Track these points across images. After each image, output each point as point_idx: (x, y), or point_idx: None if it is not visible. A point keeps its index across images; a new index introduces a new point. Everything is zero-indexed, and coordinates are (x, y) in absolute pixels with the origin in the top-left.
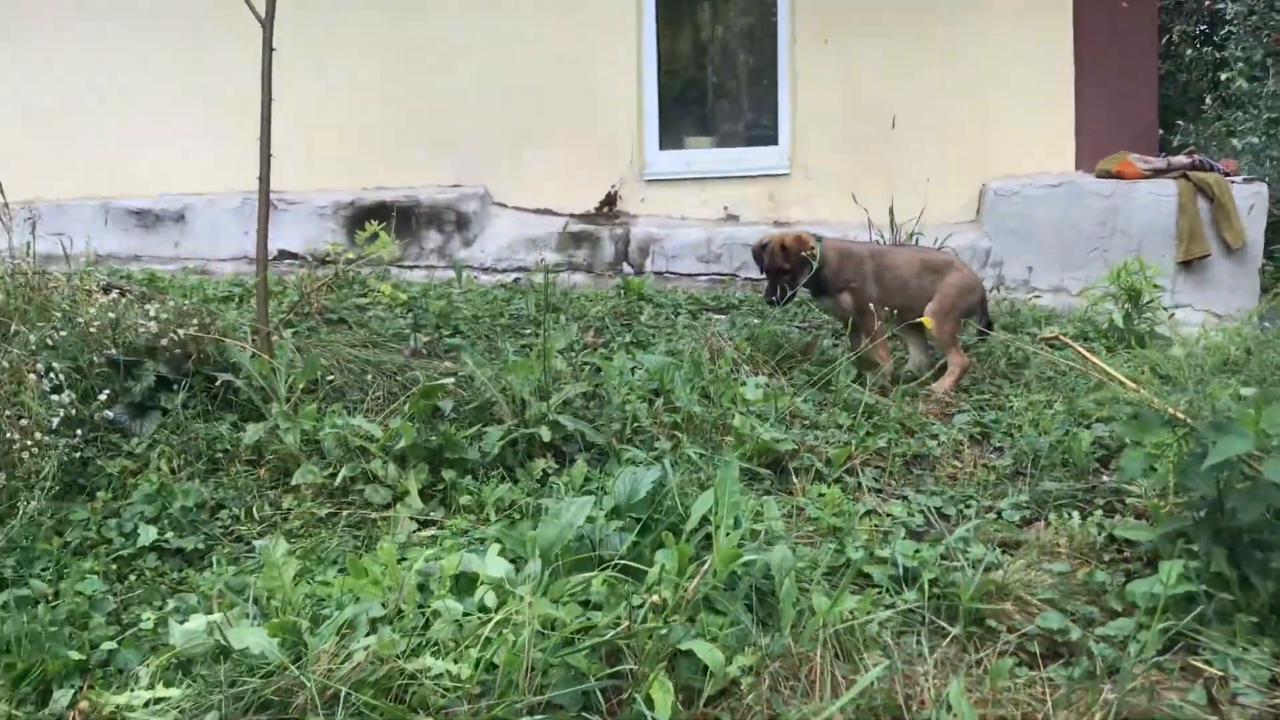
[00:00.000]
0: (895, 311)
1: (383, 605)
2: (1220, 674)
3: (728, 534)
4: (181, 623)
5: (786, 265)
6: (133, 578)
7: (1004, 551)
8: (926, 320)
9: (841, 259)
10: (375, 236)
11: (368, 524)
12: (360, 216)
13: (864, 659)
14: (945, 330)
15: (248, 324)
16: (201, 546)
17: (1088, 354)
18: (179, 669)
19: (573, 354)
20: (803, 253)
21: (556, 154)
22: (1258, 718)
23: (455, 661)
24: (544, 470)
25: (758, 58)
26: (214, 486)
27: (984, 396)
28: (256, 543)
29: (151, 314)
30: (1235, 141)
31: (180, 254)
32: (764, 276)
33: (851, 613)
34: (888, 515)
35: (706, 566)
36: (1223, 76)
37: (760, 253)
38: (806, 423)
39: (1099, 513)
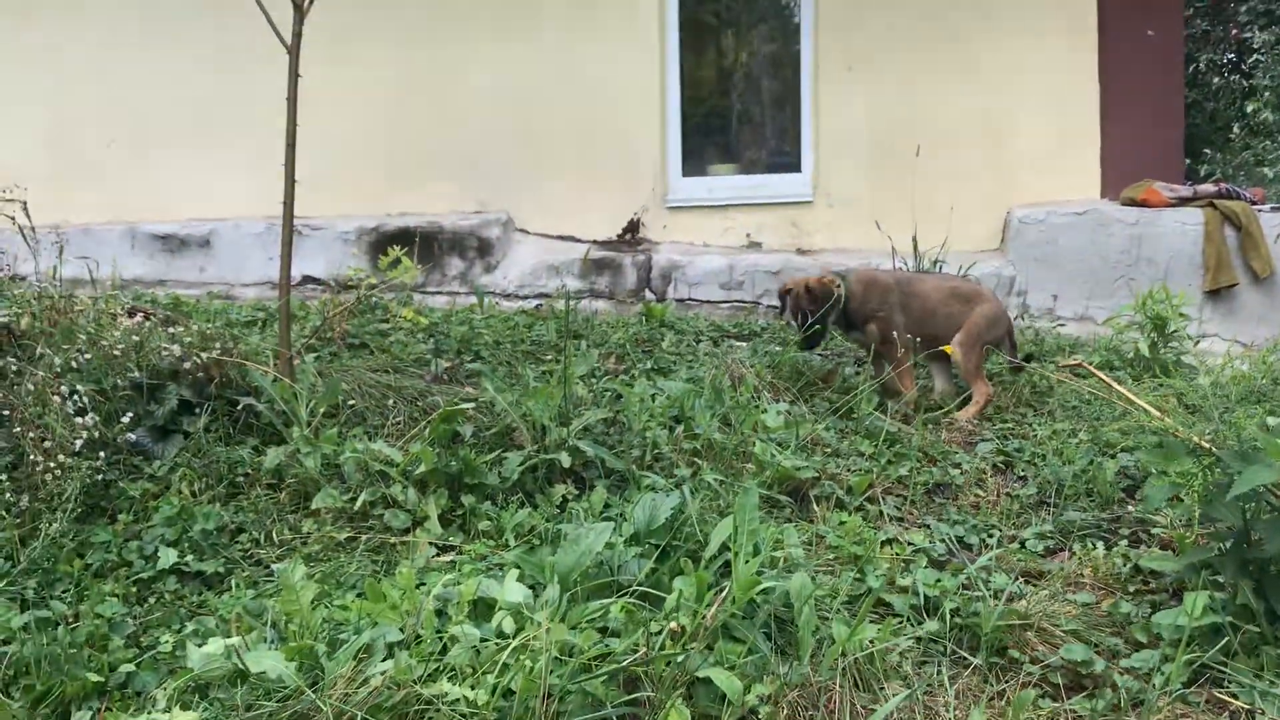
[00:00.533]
0: (920, 340)
1: (400, 630)
2: (1247, 707)
3: (747, 561)
4: (199, 645)
5: (813, 308)
6: (152, 600)
7: (1027, 582)
8: (949, 349)
9: (867, 289)
10: (398, 262)
11: (387, 549)
12: (383, 242)
13: (884, 689)
14: (971, 360)
15: (270, 348)
16: (221, 570)
17: (1111, 382)
18: (196, 692)
19: (594, 380)
20: (827, 293)
21: (579, 181)
22: None
23: (472, 687)
24: (564, 496)
25: (781, 85)
26: (234, 510)
27: (1007, 425)
28: (275, 566)
29: (175, 338)
30: (1266, 170)
31: (205, 279)
32: (791, 318)
33: (872, 642)
34: (909, 544)
35: (725, 594)
36: (1250, 108)
37: (785, 297)
38: (828, 450)
39: (1124, 543)
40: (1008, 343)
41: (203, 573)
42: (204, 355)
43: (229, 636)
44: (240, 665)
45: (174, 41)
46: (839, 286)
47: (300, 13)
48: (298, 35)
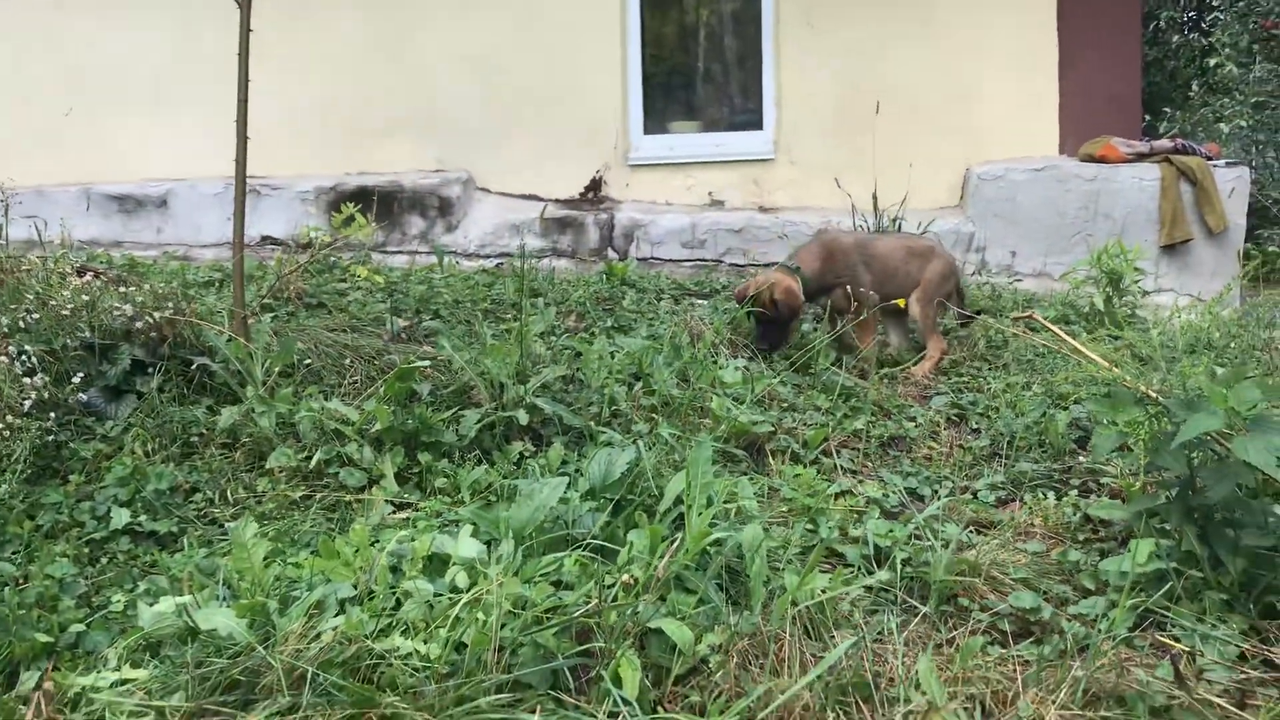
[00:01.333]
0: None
1: (353, 586)
2: (1188, 650)
3: (700, 514)
4: (151, 605)
5: (776, 317)
6: (104, 561)
7: (978, 531)
8: (901, 303)
9: (827, 261)
10: (351, 219)
11: (342, 507)
12: (342, 201)
13: (834, 637)
14: (928, 315)
15: (226, 308)
16: (175, 530)
17: (1061, 333)
18: (147, 651)
19: (553, 338)
20: (794, 307)
21: (541, 139)
22: (1224, 693)
23: (425, 642)
24: (521, 453)
25: (742, 42)
26: (188, 470)
27: (962, 379)
28: (228, 525)
29: (127, 297)
30: (1223, 126)
31: (162, 240)
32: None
33: (823, 591)
34: (862, 495)
35: (678, 546)
36: (1210, 63)
37: (743, 301)
38: (785, 405)
39: (1074, 493)
40: (956, 296)
41: (156, 532)
42: (157, 315)
43: (181, 595)
44: (191, 623)
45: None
46: (799, 294)
47: None
48: None
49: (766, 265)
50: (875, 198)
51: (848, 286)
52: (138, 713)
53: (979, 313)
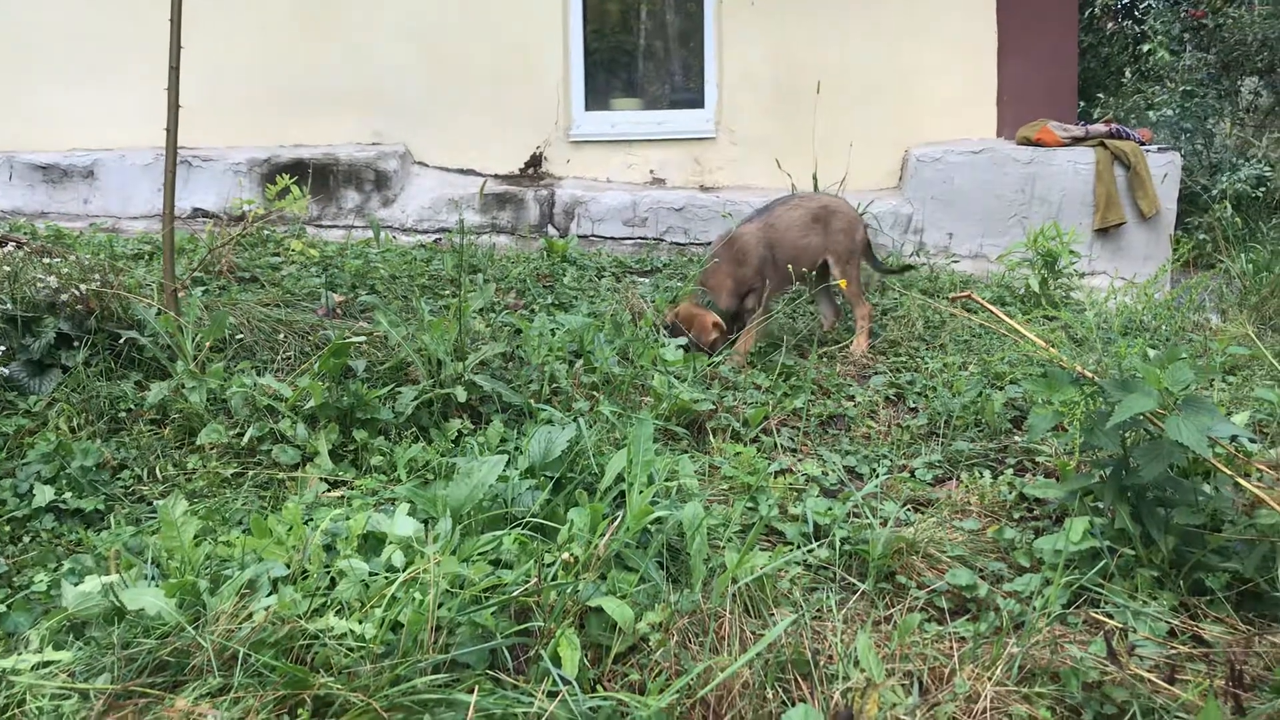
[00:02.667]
0: (801, 272)
1: (286, 565)
2: (1120, 627)
3: (641, 492)
4: (75, 584)
5: (701, 342)
6: (26, 539)
7: (916, 510)
8: (843, 283)
9: (739, 262)
10: (286, 191)
11: (275, 485)
12: (277, 174)
13: (773, 614)
14: (852, 277)
15: (155, 281)
16: (101, 507)
17: (998, 312)
18: (71, 632)
19: (492, 315)
20: (708, 338)
21: (481, 113)
22: (1155, 668)
23: (360, 621)
24: (459, 431)
25: (685, 20)
26: (116, 446)
27: (900, 358)
28: (157, 503)
29: (51, 269)
30: (1151, 114)
31: (90, 211)
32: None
33: (762, 568)
34: (802, 474)
35: (618, 524)
36: (1145, 49)
37: (671, 330)
38: (726, 384)
39: (1010, 471)
40: (867, 248)
41: (81, 510)
42: (83, 287)
43: (107, 575)
44: (117, 603)
45: None
46: (719, 324)
47: None
48: None
49: (706, 244)
50: (815, 178)
51: (757, 292)
52: (60, 695)
53: (907, 268)
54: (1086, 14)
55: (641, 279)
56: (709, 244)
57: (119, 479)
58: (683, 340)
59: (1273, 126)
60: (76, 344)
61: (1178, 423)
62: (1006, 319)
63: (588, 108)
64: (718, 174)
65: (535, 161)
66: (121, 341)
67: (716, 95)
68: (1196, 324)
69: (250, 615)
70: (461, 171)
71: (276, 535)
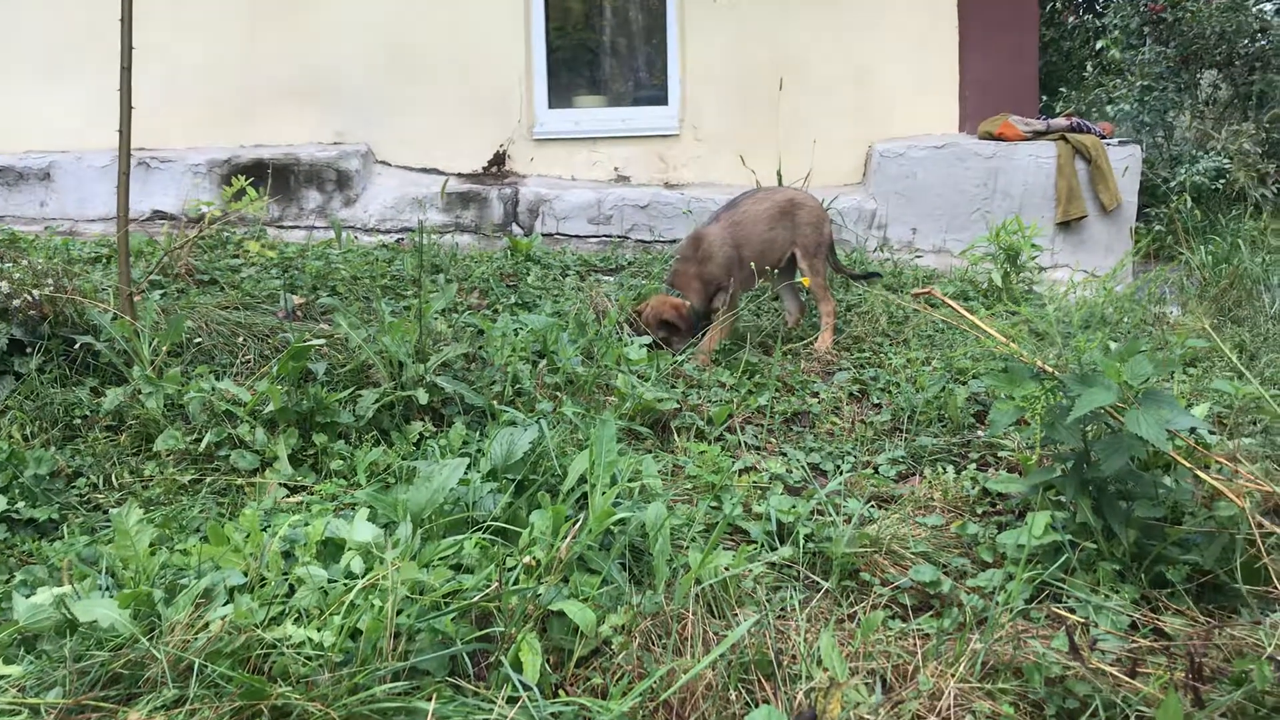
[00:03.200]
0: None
1: (243, 574)
2: (1082, 621)
3: (604, 493)
4: (27, 596)
5: (663, 335)
6: None
7: (880, 506)
8: (806, 281)
9: (705, 261)
10: (242, 193)
11: (233, 491)
12: (236, 174)
13: (737, 615)
14: (818, 270)
15: (111, 286)
16: (55, 516)
17: (959, 308)
18: (22, 645)
19: (455, 316)
20: (690, 323)
21: (443, 112)
22: (1117, 662)
23: (318, 629)
24: (421, 433)
25: (648, 17)
26: (70, 454)
27: (864, 354)
28: (112, 511)
29: (2, 273)
30: (1110, 108)
31: (47, 214)
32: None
33: (726, 568)
34: (766, 471)
35: (580, 526)
36: (1101, 44)
37: (637, 324)
38: (691, 382)
39: (973, 466)
40: (829, 243)
41: (35, 520)
42: (36, 292)
43: (60, 586)
44: (70, 615)
45: None
46: (685, 310)
47: None
48: None
49: (671, 242)
50: (779, 175)
51: (725, 289)
52: (10, 711)
53: (870, 275)
54: (1048, 8)
55: (607, 277)
56: (674, 241)
57: (74, 487)
58: (647, 339)
59: (1231, 119)
60: (30, 350)
61: (1137, 416)
62: (967, 314)
63: (551, 105)
64: (682, 171)
65: (499, 160)
66: (76, 347)
67: (680, 92)
68: (1157, 316)
69: (206, 625)
70: (425, 170)
71: (234, 543)
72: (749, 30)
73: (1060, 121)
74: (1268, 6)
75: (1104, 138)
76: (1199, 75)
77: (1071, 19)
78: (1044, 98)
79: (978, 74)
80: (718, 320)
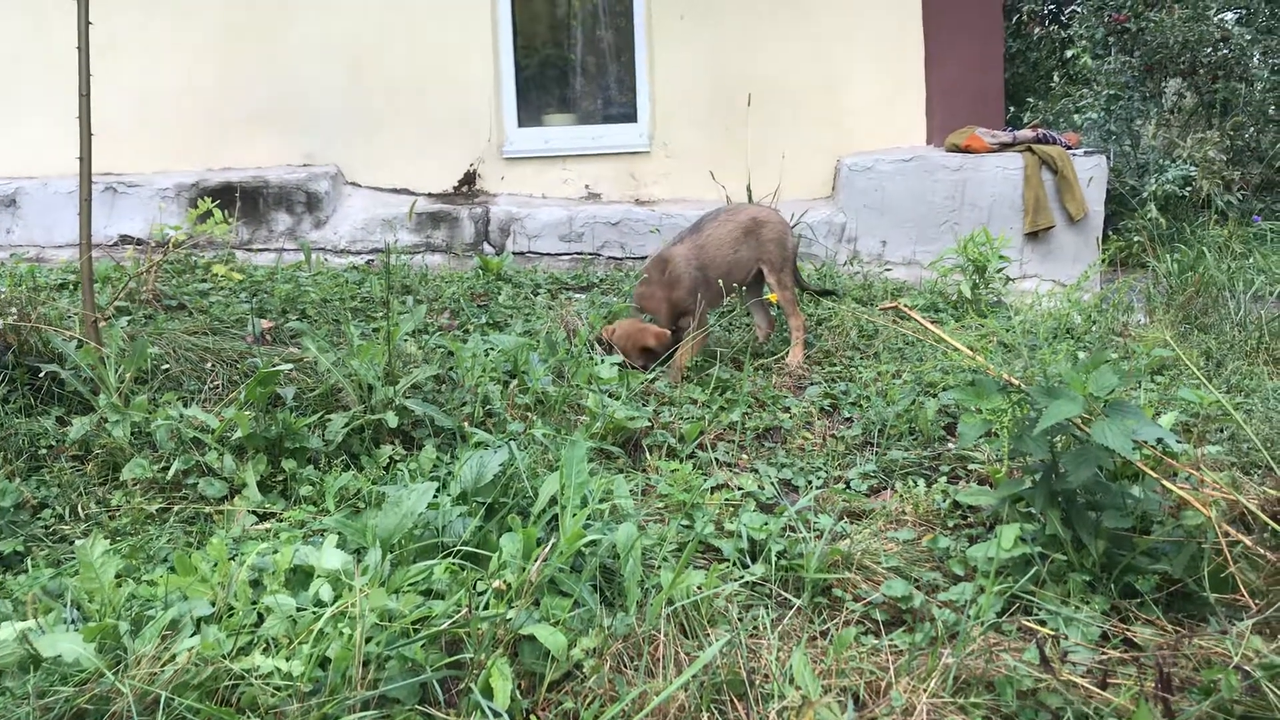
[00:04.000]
0: (735, 287)
1: (211, 603)
2: (1053, 634)
3: (574, 514)
4: None
5: (641, 363)
6: None
7: (851, 521)
8: (773, 297)
9: (672, 292)
10: (208, 215)
11: (202, 519)
12: (204, 198)
13: (709, 635)
14: (786, 286)
15: (77, 313)
16: (20, 549)
17: (925, 322)
18: None
19: (425, 337)
20: (665, 347)
21: (412, 132)
22: (1088, 674)
23: (287, 659)
24: (391, 457)
25: (615, 34)
26: (36, 485)
27: (835, 368)
28: (78, 543)
29: None
30: (1078, 118)
31: (13, 241)
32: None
33: (698, 588)
34: (738, 489)
35: (551, 548)
36: (1068, 54)
37: (605, 346)
38: (662, 399)
39: (943, 480)
40: (793, 257)
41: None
42: (0, 321)
43: (25, 620)
44: (33, 650)
45: None
46: (653, 338)
47: None
48: None
49: (642, 258)
50: (749, 190)
51: (692, 311)
52: None
53: (828, 293)
54: (1014, 19)
55: (578, 294)
56: (645, 258)
57: (39, 518)
58: (619, 357)
59: (1197, 127)
60: None
61: (1103, 427)
62: (933, 328)
63: (521, 124)
64: (653, 187)
65: (469, 179)
66: (42, 375)
67: (649, 109)
68: (1125, 325)
69: (173, 657)
70: (395, 191)
71: (201, 572)
72: (716, 47)
73: (1026, 133)
74: (1229, 16)
75: (1070, 148)
76: (1164, 84)
77: (1038, 30)
78: (1012, 108)
79: (944, 87)
80: (687, 338)
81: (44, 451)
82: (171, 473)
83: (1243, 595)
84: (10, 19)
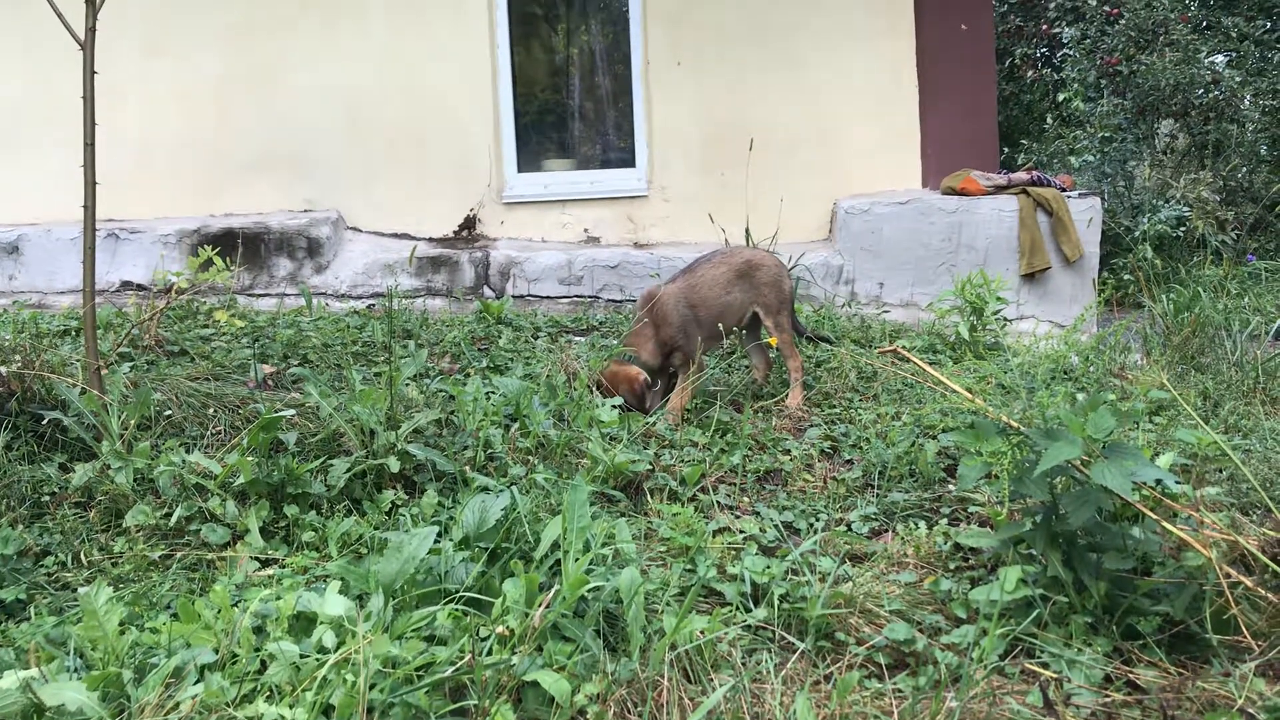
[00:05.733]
0: (729, 330)
1: (214, 651)
2: (1055, 676)
3: (577, 559)
4: None
5: (632, 400)
6: None
7: (853, 564)
8: (773, 341)
9: (662, 325)
10: (210, 263)
11: (204, 566)
12: (207, 244)
13: (712, 680)
14: (784, 330)
15: (79, 360)
16: (23, 597)
17: (923, 365)
18: None
19: (426, 381)
20: (648, 385)
21: (412, 177)
22: (1091, 716)
23: (290, 706)
24: (393, 502)
25: (614, 80)
26: (39, 532)
27: (834, 410)
28: (80, 590)
29: None
30: (1073, 159)
31: (16, 287)
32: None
33: (701, 633)
34: (740, 532)
35: (554, 594)
36: (1061, 97)
37: (599, 389)
38: (663, 442)
39: (944, 521)
40: (790, 300)
41: (1, 601)
42: (3, 368)
43: (27, 669)
44: (36, 700)
45: None
46: (642, 379)
47: (93, 6)
48: (91, 31)
49: None
50: (748, 232)
51: (682, 350)
52: None
53: (822, 337)
54: (1007, 63)
55: (578, 337)
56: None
57: (42, 566)
58: (619, 400)
59: (1189, 168)
60: None
61: (1103, 468)
62: (931, 370)
63: (520, 169)
64: (651, 231)
65: (469, 223)
66: (45, 423)
67: (647, 154)
68: (1122, 366)
69: (177, 705)
70: (395, 236)
71: (205, 619)
72: (713, 92)
73: (1021, 175)
74: (1219, 59)
75: (1064, 190)
76: (1156, 125)
77: (1031, 73)
78: (1006, 150)
79: (938, 131)
80: (683, 380)
81: (47, 498)
82: (174, 519)
83: (1245, 637)
84: (12, 67)
